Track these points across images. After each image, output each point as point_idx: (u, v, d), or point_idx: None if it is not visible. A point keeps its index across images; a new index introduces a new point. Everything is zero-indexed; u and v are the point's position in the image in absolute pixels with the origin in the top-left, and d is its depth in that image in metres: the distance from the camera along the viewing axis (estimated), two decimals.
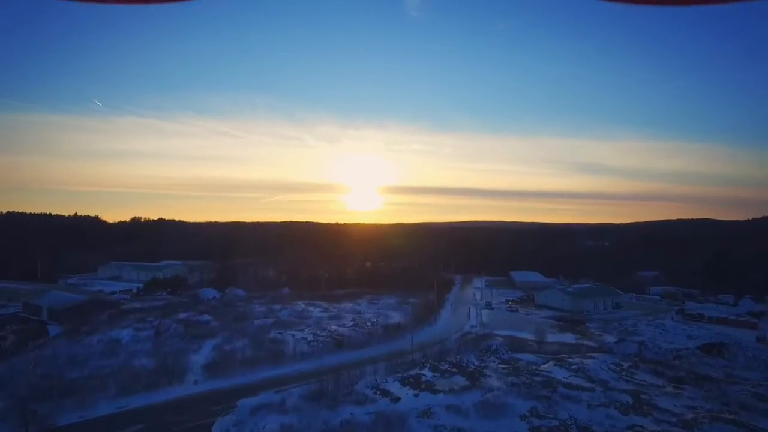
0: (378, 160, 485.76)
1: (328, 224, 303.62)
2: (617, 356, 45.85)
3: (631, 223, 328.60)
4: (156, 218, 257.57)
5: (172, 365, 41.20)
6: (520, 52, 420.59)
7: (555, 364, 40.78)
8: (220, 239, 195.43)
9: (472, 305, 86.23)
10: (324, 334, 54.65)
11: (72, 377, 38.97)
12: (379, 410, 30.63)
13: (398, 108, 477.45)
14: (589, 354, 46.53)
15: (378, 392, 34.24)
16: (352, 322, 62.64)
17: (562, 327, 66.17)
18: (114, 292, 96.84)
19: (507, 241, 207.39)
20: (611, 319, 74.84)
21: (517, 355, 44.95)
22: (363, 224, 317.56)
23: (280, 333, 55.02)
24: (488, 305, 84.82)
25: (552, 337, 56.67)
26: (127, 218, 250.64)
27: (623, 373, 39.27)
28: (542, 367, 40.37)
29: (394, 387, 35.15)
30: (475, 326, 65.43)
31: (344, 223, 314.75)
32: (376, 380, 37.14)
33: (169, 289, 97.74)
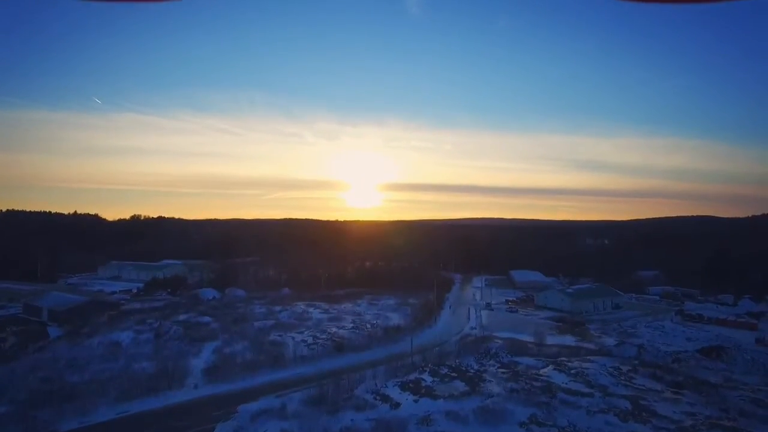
0: (377, 157, 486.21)
1: (327, 221, 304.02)
2: (617, 359, 45.96)
3: (631, 220, 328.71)
4: (156, 216, 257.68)
5: (173, 369, 41.25)
6: (519, 49, 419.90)
7: (554, 369, 40.86)
8: (220, 237, 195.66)
9: (471, 306, 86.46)
10: (324, 336, 54.73)
11: (72, 381, 39.00)
12: (379, 417, 30.70)
13: (397, 105, 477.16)
14: (588, 357, 46.62)
15: (378, 397, 34.30)
16: (351, 324, 62.72)
17: (561, 328, 66.29)
18: (114, 293, 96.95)
19: (507, 240, 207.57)
20: (611, 320, 75.01)
21: (517, 359, 45.04)
22: (362, 221, 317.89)
23: (280, 335, 55.11)
24: (488, 306, 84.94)
25: (551, 339, 56.80)
26: (127, 216, 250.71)
27: (622, 378, 39.34)
28: (542, 371, 40.45)
29: (394, 392, 35.22)
30: (475, 328, 65.60)
31: (344, 221, 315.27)
32: (376, 385, 37.21)
33: (169, 290, 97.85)
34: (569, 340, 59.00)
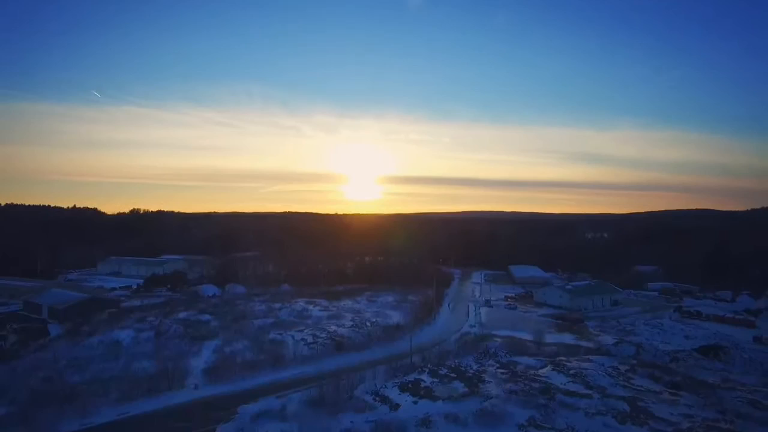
0: (376, 150, 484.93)
1: (327, 215, 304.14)
2: (615, 359, 46.18)
3: (630, 213, 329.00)
4: (155, 210, 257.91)
5: (173, 369, 41.39)
6: (518, 42, 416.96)
7: (553, 369, 41.03)
8: (219, 231, 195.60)
9: (470, 302, 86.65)
10: (324, 335, 54.90)
11: (73, 381, 39.17)
12: (378, 419, 30.83)
13: (396, 98, 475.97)
14: (587, 357, 46.83)
15: (377, 399, 34.46)
16: (351, 322, 62.91)
17: (560, 326, 66.56)
18: (114, 289, 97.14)
19: (506, 234, 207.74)
20: (609, 317, 75.28)
21: (516, 358, 45.24)
22: (362, 215, 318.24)
23: (280, 334, 55.29)
24: (487, 302, 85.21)
25: (550, 338, 56.99)
26: (126, 210, 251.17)
27: (621, 378, 39.53)
28: (540, 371, 40.65)
29: (393, 393, 35.38)
30: (474, 326, 65.82)
31: (343, 214, 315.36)
32: (375, 385, 37.35)
33: (169, 285, 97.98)
34: (568, 338, 59.25)
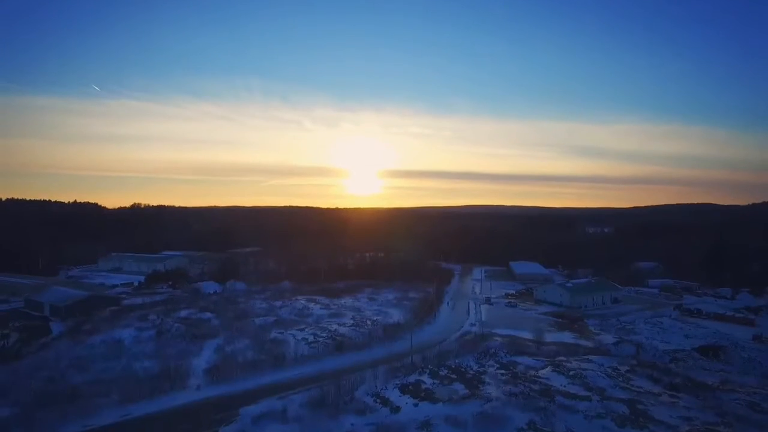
0: (376, 144, 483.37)
1: (327, 209, 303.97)
2: (615, 359, 46.33)
3: (631, 207, 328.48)
4: (156, 204, 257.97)
5: (175, 369, 41.62)
6: (518, 36, 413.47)
7: (553, 370, 41.19)
8: (219, 225, 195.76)
9: (471, 300, 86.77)
10: (324, 335, 55.07)
11: (75, 382, 39.33)
12: (379, 421, 31.00)
13: (396, 91, 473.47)
14: (586, 357, 46.97)
15: (378, 400, 34.61)
16: (351, 321, 63.08)
17: (560, 325, 66.70)
18: (115, 286, 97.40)
19: (506, 229, 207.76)
20: (610, 315, 75.40)
21: (516, 359, 45.35)
22: (362, 209, 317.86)
23: (280, 333, 55.48)
24: (487, 300, 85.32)
25: (550, 337, 57.13)
26: (127, 204, 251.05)
27: (620, 379, 39.67)
28: (540, 372, 40.78)
29: (394, 395, 35.52)
30: (474, 325, 65.94)
31: (343, 208, 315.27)
32: (376, 386, 37.50)
33: (170, 282, 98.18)
34: (568, 337, 59.38)
